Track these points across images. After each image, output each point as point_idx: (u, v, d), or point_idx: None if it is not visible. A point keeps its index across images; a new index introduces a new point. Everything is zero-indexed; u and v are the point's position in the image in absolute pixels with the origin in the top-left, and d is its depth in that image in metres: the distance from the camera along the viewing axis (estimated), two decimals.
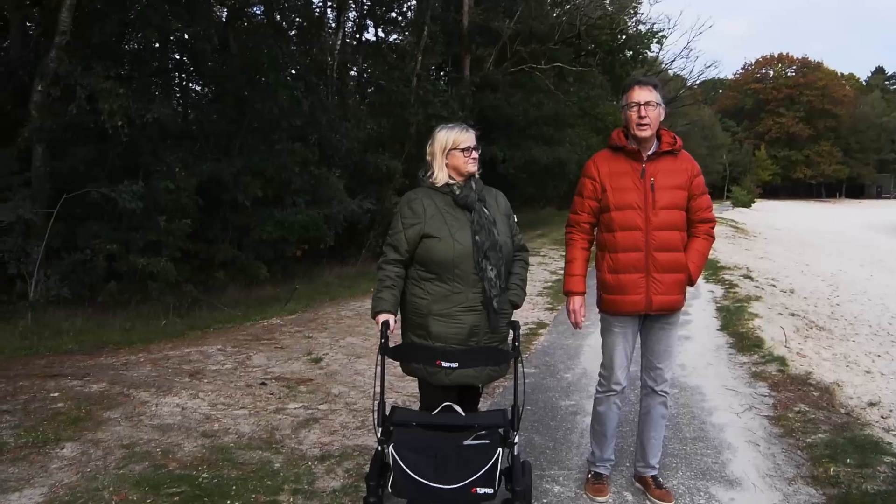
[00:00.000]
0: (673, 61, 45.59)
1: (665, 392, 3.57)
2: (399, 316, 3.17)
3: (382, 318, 3.02)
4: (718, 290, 10.71)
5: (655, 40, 31.19)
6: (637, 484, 3.68)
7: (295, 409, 4.90)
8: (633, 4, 27.23)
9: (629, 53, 28.04)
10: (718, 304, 9.43)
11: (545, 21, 21.13)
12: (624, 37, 26.61)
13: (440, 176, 3.15)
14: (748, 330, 7.59)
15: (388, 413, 2.93)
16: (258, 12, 17.24)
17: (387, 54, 17.73)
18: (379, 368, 2.97)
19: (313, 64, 18.85)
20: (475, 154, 3.15)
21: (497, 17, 20.22)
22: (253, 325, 7.98)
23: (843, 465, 3.88)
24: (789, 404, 5.08)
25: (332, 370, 5.94)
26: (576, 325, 3.56)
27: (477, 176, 3.24)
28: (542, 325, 8.11)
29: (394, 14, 20.79)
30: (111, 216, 9.19)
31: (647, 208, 3.31)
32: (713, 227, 3.57)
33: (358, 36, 20.93)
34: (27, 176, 8.27)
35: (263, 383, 5.44)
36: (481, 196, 3.16)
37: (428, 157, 3.20)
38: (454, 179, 3.15)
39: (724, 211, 43.21)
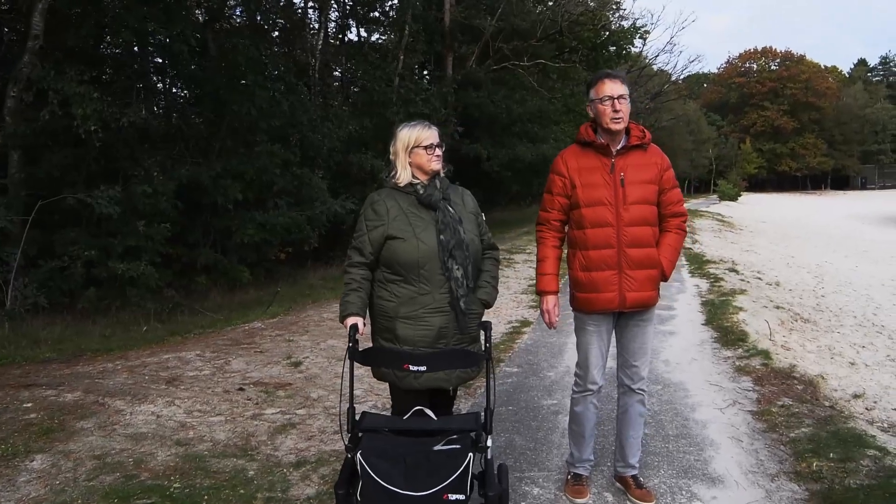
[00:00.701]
0: (657, 56, 45.65)
1: (642, 390, 3.52)
2: (369, 319, 3.11)
3: (350, 321, 2.95)
4: (704, 285, 10.69)
5: (638, 35, 31.31)
6: (617, 484, 3.63)
7: (272, 414, 4.82)
8: (615, 0, 27.23)
9: (612, 49, 28.07)
10: (703, 299, 9.40)
11: (527, 18, 21.08)
12: (607, 33, 26.62)
13: (403, 175, 3.08)
14: (733, 324, 7.56)
15: (358, 419, 2.87)
16: (238, 14, 17.22)
17: (368, 53, 17.59)
18: (347, 373, 2.91)
19: (295, 65, 18.81)
20: (439, 151, 3.09)
21: (479, 14, 20.15)
22: (234, 329, 7.88)
23: (826, 459, 3.84)
24: (773, 398, 5.05)
25: (312, 374, 5.85)
26: (550, 325, 3.49)
27: (442, 174, 3.17)
28: (526, 322, 8.06)
29: (376, 13, 20.73)
30: (89, 222, 9.05)
31: (618, 204, 3.25)
32: (685, 221, 3.53)
33: (340, 36, 20.85)
34: (2, 183, 8.11)
35: (241, 389, 5.35)
36: (446, 195, 3.09)
37: (391, 157, 3.14)
38: (418, 179, 3.08)
39: (711, 205, 43.46)
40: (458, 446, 2.61)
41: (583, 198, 3.28)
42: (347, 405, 2.87)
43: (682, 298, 9.49)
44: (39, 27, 8.43)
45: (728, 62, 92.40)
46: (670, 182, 3.42)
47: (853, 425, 4.41)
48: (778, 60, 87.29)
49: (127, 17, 8.03)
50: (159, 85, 10.59)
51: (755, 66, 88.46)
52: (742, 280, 11.26)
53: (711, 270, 12.12)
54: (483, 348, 2.94)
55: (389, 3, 20.33)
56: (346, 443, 2.68)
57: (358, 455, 2.56)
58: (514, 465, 3.90)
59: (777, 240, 22.38)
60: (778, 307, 9.01)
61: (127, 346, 7.25)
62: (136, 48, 9.53)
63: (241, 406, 4.96)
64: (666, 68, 47.08)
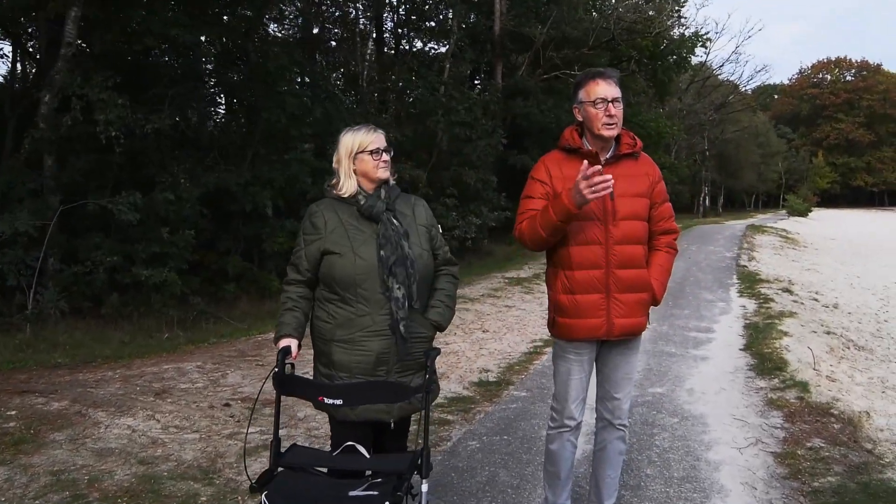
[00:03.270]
0: (721, 66, 44.09)
1: (623, 426, 3.10)
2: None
3: (283, 343, 2.66)
4: (751, 305, 10.00)
5: (700, 44, 30.33)
6: None
7: (251, 433, 4.56)
8: (675, 8, 26.37)
9: (672, 58, 27.24)
10: (747, 321, 8.75)
11: (579, 26, 20.55)
12: (666, 41, 25.84)
13: (347, 184, 2.77)
14: (773, 350, 6.94)
15: (284, 451, 2.57)
16: (285, 26, 17.39)
17: (411, 62, 17.42)
18: (274, 401, 2.62)
19: (346, 74, 18.87)
20: (386, 157, 2.77)
21: (529, 22, 19.76)
22: (246, 339, 7.72)
23: None
24: (802, 438, 4.50)
25: None
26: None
27: (392, 182, 2.85)
28: (549, 342, 7.60)
29: (431, 24, 20.58)
30: (118, 227, 9.08)
31: (607, 219, 2.87)
32: (675, 239, 3.12)
33: (395, 45, 20.84)
34: (29, 187, 8.20)
35: (227, 404, 5.12)
36: (391, 205, 2.76)
37: (334, 165, 2.83)
38: (364, 188, 2.77)
39: (778, 220, 41.62)
40: (375, 493, 2.26)
41: None
42: (273, 438, 2.57)
43: (724, 320, 8.86)
44: (73, 34, 8.53)
45: (800, 73, 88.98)
46: (661, 195, 3.03)
47: (890, 476, 3.85)
48: (853, 71, 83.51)
49: (151, 22, 8.03)
50: (193, 92, 10.55)
51: (829, 77, 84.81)
52: (795, 301, 10.49)
53: (763, 290, 11.36)
54: (431, 376, 2.57)
55: (444, 13, 20.19)
56: (252, 481, 2.37)
57: (263, 497, 2.25)
58: None
59: (844, 258, 21.06)
60: (829, 332, 8.29)
61: (139, 353, 7.17)
62: (165, 54, 9.57)
63: (221, 423, 4.73)
64: (731, 78, 45.66)
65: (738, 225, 34.21)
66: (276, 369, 2.56)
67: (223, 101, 11.68)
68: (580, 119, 2.96)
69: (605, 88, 2.85)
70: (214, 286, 10.51)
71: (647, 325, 3.07)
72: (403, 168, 14.72)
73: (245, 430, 4.48)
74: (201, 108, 10.68)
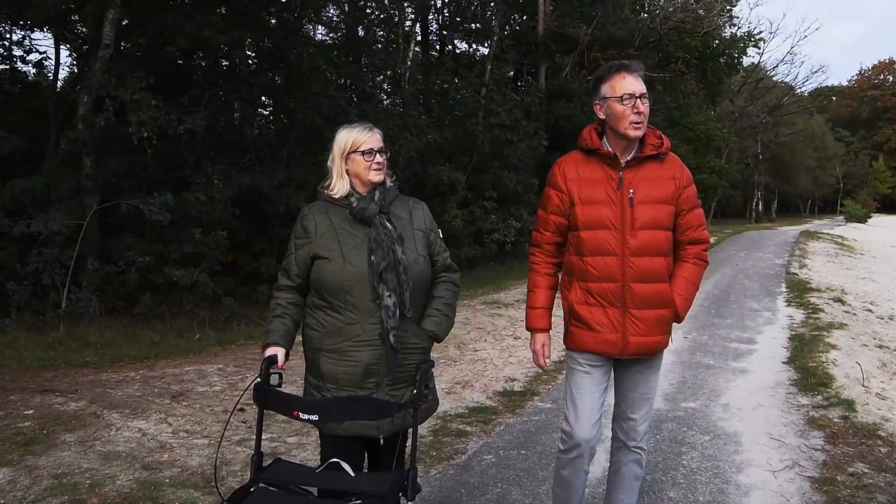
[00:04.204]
0: (775, 67, 42.63)
1: (640, 449, 2.87)
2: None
3: (269, 351, 2.53)
4: (799, 316, 9.52)
5: (753, 44, 29.43)
6: None
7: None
8: (727, 7, 25.61)
9: (723, 59, 26.50)
10: (793, 332, 8.31)
11: (625, 26, 20.07)
12: (716, 42, 25.14)
13: (339, 185, 2.62)
14: (818, 364, 6.54)
15: (267, 465, 2.43)
16: (328, 30, 17.47)
17: (447, 62, 17.25)
18: (253, 412, 2.48)
19: (389, 76, 18.85)
20: (380, 159, 2.60)
21: (573, 23, 19.39)
22: None
23: None
24: (844, 463, 4.17)
25: None
26: (544, 366, 2.93)
27: (389, 185, 2.69)
28: None
29: (476, 25, 20.39)
30: (152, 228, 9.15)
31: (625, 228, 2.65)
32: (706, 249, 2.85)
33: (440, 47, 20.75)
34: (65, 187, 8.33)
35: (242, 409, 5.02)
36: (385, 208, 2.60)
37: (328, 164, 2.68)
38: (357, 190, 2.61)
39: (835, 226, 40.18)
40: None
41: (582, 218, 2.70)
42: (254, 452, 2.43)
43: (769, 331, 8.44)
44: (110, 37, 8.63)
45: (859, 74, 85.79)
46: (690, 201, 2.76)
47: None
48: None
49: (184, 23, 8.06)
50: (230, 93, 10.59)
51: (890, 78, 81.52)
52: (847, 312, 9.95)
53: (812, 300, 10.83)
54: (412, 393, 2.39)
55: (488, 13, 20.00)
56: (223, 498, 2.23)
57: None
58: None
59: None
60: (882, 346, 7.81)
61: (166, 354, 7.17)
62: (199, 54, 9.62)
63: (233, 429, 4.63)
64: (786, 80, 44.23)
65: (791, 231, 33.07)
66: (259, 379, 2.42)
67: (261, 103, 11.72)
68: (602, 117, 2.72)
69: (633, 83, 2.63)
70: (248, 287, 10.52)
71: (670, 343, 2.82)
72: (442, 170, 14.61)
73: (230, 440, 4.37)
74: (241, 110, 10.71)
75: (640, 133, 2.65)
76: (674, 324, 2.80)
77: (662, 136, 2.76)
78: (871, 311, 10.57)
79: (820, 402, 5.40)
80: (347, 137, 2.62)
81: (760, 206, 53.77)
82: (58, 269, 8.06)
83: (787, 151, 52.75)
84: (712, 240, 25.51)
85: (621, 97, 2.61)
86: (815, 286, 12.57)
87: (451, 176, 14.68)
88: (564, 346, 2.90)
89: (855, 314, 9.90)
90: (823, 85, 67.34)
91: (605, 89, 2.67)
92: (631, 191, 2.66)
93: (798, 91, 45.58)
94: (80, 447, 4.24)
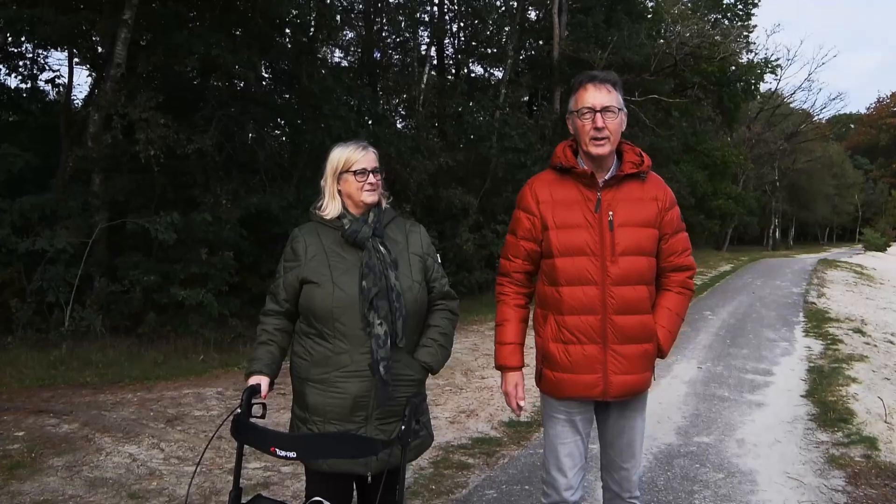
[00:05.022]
0: (793, 94, 42.49)
1: (636, 499, 2.62)
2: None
3: (252, 380, 2.39)
4: (817, 346, 9.24)
5: (769, 70, 29.29)
6: None
7: (254, 469, 4.29)
8: (744, 33, 25.53)
9: (740, 85, 26.37)
10: (812, 364, 8.04)
11: (640, 51, 20.02)
12: (733, 68, 25.02)
13: (331, 206, 2.48)
14: (839, 398, 6.28)
15: (245, 502, 2.28)
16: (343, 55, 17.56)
17: (462, 87, 17.25)
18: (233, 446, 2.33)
19: (404, 99, 18.89)
20: (373, 179, 2.45)
21: (589, 47, 19.38)
22: None
23: None
24: None
25: None
26: (517, 410, 2.64)
27: (385, 206, 2.54)
28: None
29: (492, 50, 20.42)
30: (159, 247, 9.09)
31: (604, 254, 2.41)
32: (691, 277, 2.61)
33: (455, 70, 20.79)
34: (72, 205, 8.29)
35: (221, 437, 4.88)
36: (379, 231, 2.45)
37: (322, 183, 2.54)
38: (350, 211, 2.47)
39: (853, 255, 39.56)
40: None
41: (557, 244, 2.45)
42: (232, 488, 2.28)
43: (786, 362, 8.17)
44: (122, 56, 8.65)
45: (878, 102, 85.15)
46: (673, 224, 2.53)
47: None
48: None
49: (193, 43, 8.06)
50: (237, 114, 10.57)
51: None
52: (867, 343, 9.66)
53: (831, 330, 10.53)
54: (400, 429, 2.22)
55: (503, 38, 20.05)
56: None
57: None
58: None
59: None
60: None
61: (167, 375, 7.05)
62: (214, 78, 9.64)
63: (226, 456, 4.48)
64: (803, 107, 44.04)
65: (808, 259, 32.59)
66: (239, 410, 2.27)
67: (273, 124, 11.71)
68: (571, 132, 2.51)
69: (595, 95, 2.39)
70: (255, 309, 10.34)
71: (653, 382, 2.58)
72: (454, 194, 14.51)
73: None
74: (253, 130, 10.70)
75: (602, 150, 2.40)
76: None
77: (643, 153, 2.53)
78: (892, 342, 10.26)
79: (840, 440, 5.16)
80: (340, 156, 2.48)
81: (777, 234, 53.26)
82: (62, 287, 8.00)
83: (804, 179, 52.36)
84: (728, 267, 25.28)
85: (580, 111, 2.40)
86: (833, 316, 12.26)
87: (463, 199, 14.56)
88: (539, 388, 2.63)
89: (876, 345, 9.60)
90: (841, 112, 67.04)
91: (571, 103, 2.47)
92: (610, 213, 2.43)
93: (816, 118, 45.34)
94: (67, 472, 4.10)
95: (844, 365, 7.82)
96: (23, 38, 8.99)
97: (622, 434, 2.55)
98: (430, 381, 2.53)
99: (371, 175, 2.44)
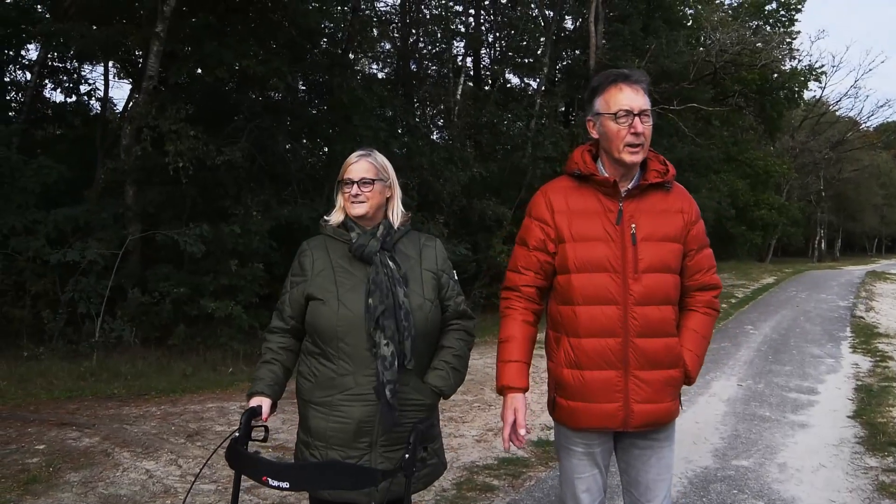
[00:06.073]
0: (838, 101, 41.35)
1: None
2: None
3: (253, 402, 2.27)
4: (865, 364, 8.80)
5: (814, 77, 28.57)
6: None
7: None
8: (787, 40, 24.91)
9: (783, 93, 25.75)
10: (859, 382, 7.65)
11: (678, 59, 19.66)
12: (776, 75, 24.43)
13: (335, 216, 2.36)
14: (888, 420, 5.93)
15: None
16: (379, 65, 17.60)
17: (497, 97, 17.12)
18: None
19: (440, 110, 18.85)
20: (357, 191, 2.27)
21: (625, 56, 19.10)
22: None
23: None
24: None
25: None
26: (518, 442, 2.31)
27: (393, 219, 2.37)
28: None
29: (527, 60, 20.27)
30: (190, 259, 9.13)
31: (626, 271, 2.21)
32: (717, 296, 2.40)
33: (491, 81, 20.70)
34: (103, 217, 8.37)
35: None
36: (388, 245, 2.29)
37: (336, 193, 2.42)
38: (353, 223, 2.33)
39: None
40: None
41: (574, 258, 2.24)
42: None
43: (832, 380, 7.79)
44: (154, 68, 8.75)
45: None
46: (699, 240, 2.33)
47: None
48: None
49: (223, 54, 8.10)
50: (269, 125, 10.60)
51: None
52: None
53: (881, 346, 10.06)
54: (404, 458, 2.06)
55: (540, 48, 19.91)
56: None
57: None
58: None
59: None
60: None
61: (194, 388, 7.02)
62: (246, 89, 9.68)
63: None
64: (850, 114, 42.82)
65: (856, 271, 31.51)
66: (237, 434, 2.15)
67: (306, 135, 11.74)
68: (595, 136, 2.29)
69: (632, 97, 2.18)
70: None
71: (681, 411, 2.36)
72: (488, 205, 14.35)
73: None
74: (286, 141, 10.72)
75: (637, 158, 2.21)
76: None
77: (667, 162, 2.32)
78: None
79: (891, 465, 4.83)
80: (345, 164, 2.36)
81: (823, 245, 51.74)
82: (94, 298, 8.06)
83: (851, 188, 50.84)
84: (771, 279, 24.55)
85: (615, 114, 2.18)
86: (883, 331, 11.73)
87: (496, 210, 14.40)
88: (552, 417, 2.42)
89: None
90: (890, 120, 64.98)
91: (599, 104, 2.25)
92: (633, 226, 2.23)
93: (863, 126, 43.97)
94: (83, 488, 4.04)
95: (895, 384, 7.42)
96: (62, 53, 9.14)
97: (648, 468, 2.32)
98: (457, 397, 2.35)
99: (356, 186, 2.29)
